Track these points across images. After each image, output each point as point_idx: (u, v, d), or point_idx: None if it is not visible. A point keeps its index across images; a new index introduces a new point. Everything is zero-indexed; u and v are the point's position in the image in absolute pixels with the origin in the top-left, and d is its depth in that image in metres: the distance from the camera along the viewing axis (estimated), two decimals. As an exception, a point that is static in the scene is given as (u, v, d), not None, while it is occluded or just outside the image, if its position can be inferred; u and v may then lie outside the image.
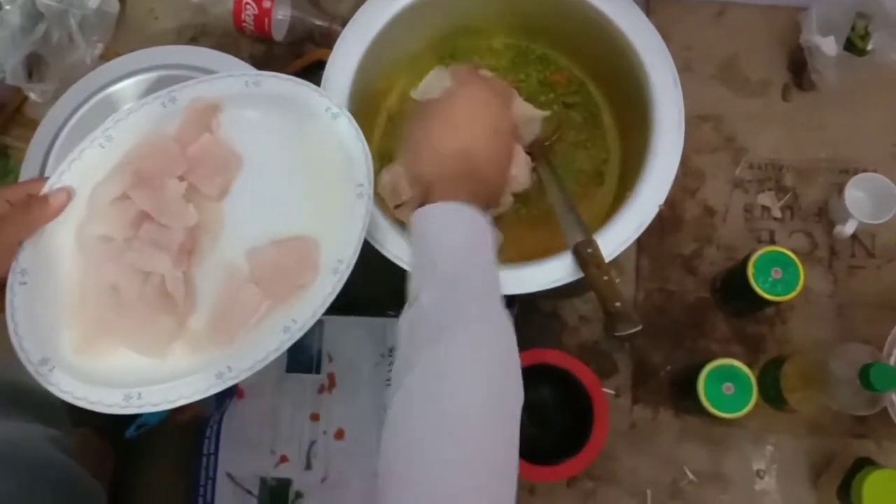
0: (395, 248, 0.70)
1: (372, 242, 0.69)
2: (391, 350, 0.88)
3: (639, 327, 0.61)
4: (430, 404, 0.49)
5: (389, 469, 0.49)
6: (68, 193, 0.66)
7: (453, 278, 0.54)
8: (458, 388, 0.50)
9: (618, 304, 0.62)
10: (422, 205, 0.58)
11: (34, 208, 0.64)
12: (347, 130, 0.68)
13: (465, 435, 0.48)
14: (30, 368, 0.61)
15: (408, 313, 0.55)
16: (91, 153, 0.68)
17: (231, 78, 0.72)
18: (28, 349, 0.62)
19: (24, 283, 0.63)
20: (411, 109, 0.67)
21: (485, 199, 0.61)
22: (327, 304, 0.62)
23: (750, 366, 0.80)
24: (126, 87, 0.89)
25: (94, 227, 0.66)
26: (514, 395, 0.52)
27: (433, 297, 0.54)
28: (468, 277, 0.55)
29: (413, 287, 0.56)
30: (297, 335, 0.61)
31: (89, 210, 0.66)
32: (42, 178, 0.67)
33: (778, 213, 0.94)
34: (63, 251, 0.65)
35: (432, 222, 0.57)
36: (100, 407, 0.61)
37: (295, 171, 0.69)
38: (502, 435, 0.50)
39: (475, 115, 0.66)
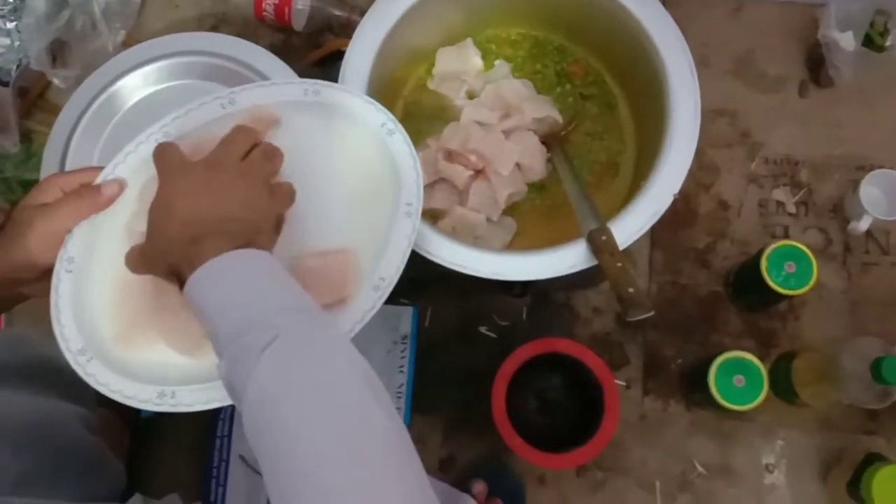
0: (437, 250, 0.71)
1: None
2: (404, 337, 0.89)
3: (651, 313, 0.62)
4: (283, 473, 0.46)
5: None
6: (120, 185, 0.66)
7: (237, 334, 0.50)
8: (287, 426, 0.46)
9: (630, 289, 0.63)
10: (182, 275, 0.55)
11: (86, 197, 0.64)
12: (401, 148, 0.67)
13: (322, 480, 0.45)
14: (68, 357, 0.62)
15: (223, 384, 0.52)
16: (147, 147, 0.67)
17: (291, 85, 0.71)
18: (69, 337, 0.62)
19: (70, 272, 0.63)
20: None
21: (239, 236, 0.56)
22: (366, 321, 0.61)
23: (762, 360, 0.80)
24: (148, 72, 0.90)
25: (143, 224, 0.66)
26: (346, 403, 0.48)
27: (228, 360, 0.51)
28: (250, 323, 0.51)
29: (217, 367, 0.53)
30: None
31: (141, 205, 0.66)
32: (96, 167, 0.67)
33: (792, 209, 0.94)
34: (111, 242, 0.65)
35: (196, 296, 0.53)
36: (134, 402, 0.61)
37: (343, 183, 0.68)
38: (349, 447, 0.46)
39: (176, 192, 0.59)
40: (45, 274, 0.64)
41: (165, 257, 0.58)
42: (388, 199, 0.65)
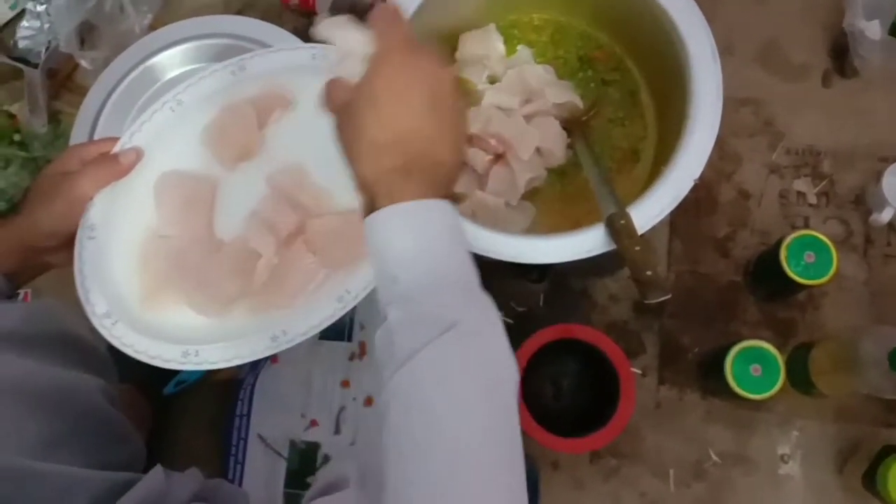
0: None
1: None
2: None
3: (668, 295, 0.62)
4: (412, 439, 0.46)
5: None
6: (138, 153, 0.68)
7: (418, 293, 0.48)
8: (442, 417, 0.46)
9: (649, 272, 0.63)
10: (370, 211, 0.50)
11: (105, 166, 0.66)
12: None
13: (463, 465, 0.45)
14: (94, 321, 0.64)
15: (379, 332, 0.50)
16: (162, 115, 0.70)
17: (298, 50, 0.72)
18: (94, 301, 0.64)
19: (93, 238, 0.65)
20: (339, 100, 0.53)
21: (440, 184, 0.52)
22: None
23: (779, 350, 0.79)
24: (174, 54, 0.92)
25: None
26: (503, 405, 0.48)
27: (399, 316, 0.48)
28: (434, 287, 0.49)
29: (380, 303, 0.51)
30: (351, 305, 0.63)
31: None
32: (114, 137, 0.69)
33: (813, 200, 0.93)
34: (131, 209, 0.68)
35: (384, 233, 0.49)
36: (159, 361, 0.63)
37: None
38: (500, 452, 0.47)
39: (402, 94, 0.52)
40: (68, 243, 0.65)
41: (362, 173, 0.51)
42: None
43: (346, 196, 0.64)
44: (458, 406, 0.46)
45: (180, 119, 0.70)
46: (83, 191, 0.65)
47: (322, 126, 0.68)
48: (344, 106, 0.53)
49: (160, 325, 0.65)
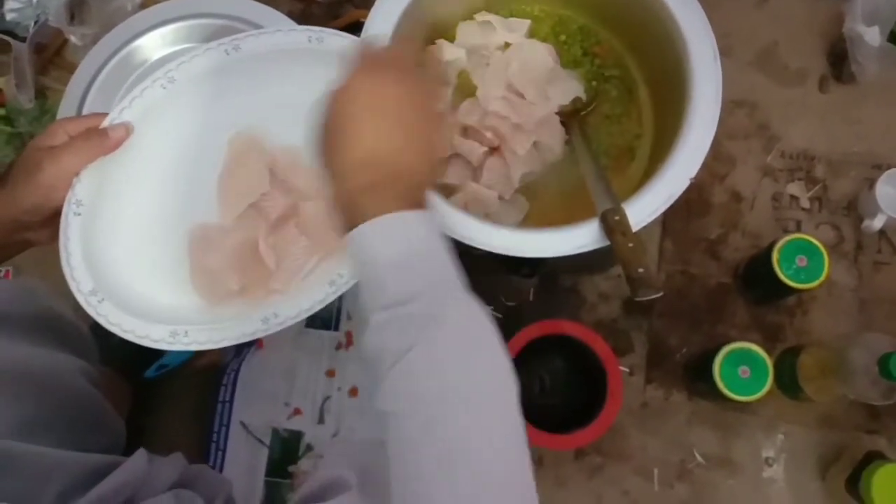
0: (448, 222, 0.70)
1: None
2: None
3: (660, 293, 0.62)
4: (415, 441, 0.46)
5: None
6: (127, 129, 0.66)
7: (406, 297, 0.49)
8: (444, 416, 0.46)
9: (641, 270, 0.63)
10: (351, 226, 0.51)
11: (93, 140, 0.65)
12: None
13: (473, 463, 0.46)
14: (80, 298, 0.62)
15: (367, 337, 0.50)
16: (152, 93, 0.68)
17: (294, 32, 0.72)
18: (79, 279, 0.63)
19: (79, 214, 0.64)
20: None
21: (415, 194, 0.53)
22: None
23: (767, 354, 0.80)
24: (165, 33, 0.90)
25: None
26: (503, 395, 0.49)
27: (387, 318, 0.49)
28: (421, 292, 0.49)
29: (365, 311, 0.51)
30: (343, 289, 0.62)
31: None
32: (102, 113, 0.68)
33: (806, 204, 0.93)
34: (121, 186, 0.66)
35: (368, 247, 0.50)
36: (146, 341, 0.62)
37: None
38: (510, 455, 0.47)
39: (370, 109, 0.53)
40: (52, 219, 0.64)
41: (339, 193, 0.53)
42: None
43: None
44: (458, 399, 0.47)
45: (172, 97, 0.69)
46: (69, 165, 0.64)
47: (310, 108, 0.68)
48: (319, 126, 0.54)
49: (148, 304, 0.64)
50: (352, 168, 0.52)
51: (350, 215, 0.51)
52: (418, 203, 0.52)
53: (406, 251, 0.50)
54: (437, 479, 0.45)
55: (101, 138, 0.65)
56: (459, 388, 0.47)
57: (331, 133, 0.53)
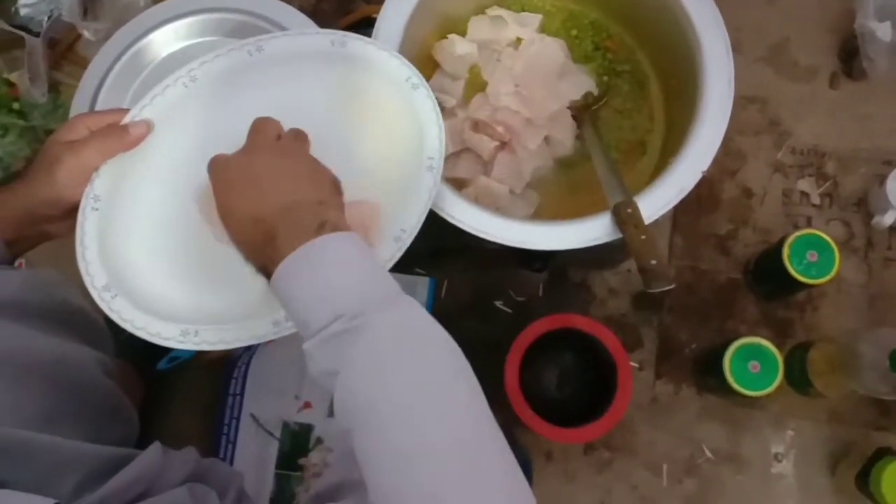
0: (462, 216, 0.71)
1: (435, 210, 0.69)
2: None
3: (672, 285, 0.63)
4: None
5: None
6: (148, 126, 0.66)
7: (325, 322, 0.50)
8: (390, 414, 0.47)
9: (653, 261, 0.63)
10: (266, 274, 0.54)
11: (113, 136, 0.65)
12: (424, 103, 0.68)
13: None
14: (93, 293, 0.62)
15: (308, 369, 0.52)
16: (174, 91, 0.68)
17: (318, 35, 0.72)
18: (94, 274, 0.63)
19: (97, 209, 0.64)
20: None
21: (317, 219, 0.54)
22: (385, 270, 0.61)
23: (777, 349, 0.80)
24: (178, 27, 0.90)
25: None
26: (450, 387, 0.49)
27: (316, 343, 0.50)
28: (338, 314, 0.50)
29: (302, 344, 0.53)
30: None
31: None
32: (123, 109, 0.68)
33: (817, 200, 0.93)
34: (140, 183, 0.66)
35: (285, 291, 0.52)
36: (157, 339, 0.62)
37: (367, 136, 0.69)
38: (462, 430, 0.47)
39: (234, 185, 0.57)
40: (70, 213, 0.64)
41: (249, 257, 0.56)
42: (411, 153, 0.66)
43: (348, 186, 0.64)
44: (394, 408, 0.47)
45: (193, 95, 0.69)
46: (89, 160, 0.64)
47: (329, 117, 0.68)
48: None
49: (161, 302, 0.63)
50: (249, 230, 0.55)
51: (262, 265, 0.54)
52: (323, 225, 0.53)
53: (319, 286, 0.51)
54: (401, 482, 0.45)
55: (121, 134, 0.65)
56: (392, 397, 0.47)
57: (226, 223, 0.57)
